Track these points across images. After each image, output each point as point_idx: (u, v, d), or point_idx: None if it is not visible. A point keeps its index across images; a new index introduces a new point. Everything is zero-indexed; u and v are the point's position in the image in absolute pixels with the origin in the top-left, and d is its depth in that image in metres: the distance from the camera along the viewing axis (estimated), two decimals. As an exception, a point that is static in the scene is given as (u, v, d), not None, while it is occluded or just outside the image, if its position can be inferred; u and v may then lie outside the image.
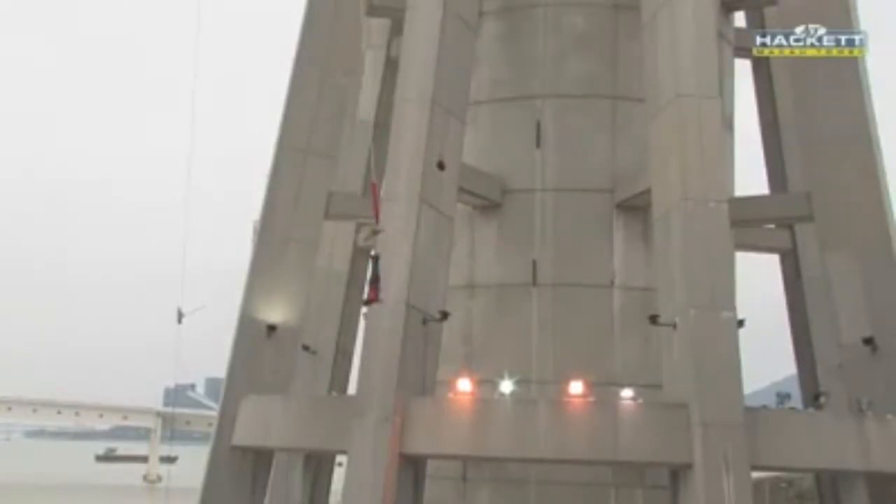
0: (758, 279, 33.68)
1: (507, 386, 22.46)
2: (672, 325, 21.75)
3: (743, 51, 29.22)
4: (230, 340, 26.61)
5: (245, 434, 25.21)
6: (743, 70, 30.61)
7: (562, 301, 25.69)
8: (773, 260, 30.16)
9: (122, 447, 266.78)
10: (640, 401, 22.31)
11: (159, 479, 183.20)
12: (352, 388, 26.75)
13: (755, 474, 23.96)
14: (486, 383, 22.84)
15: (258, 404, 25.22)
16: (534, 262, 25.81)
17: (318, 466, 31.93)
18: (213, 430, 27.08)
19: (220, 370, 27.06)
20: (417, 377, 22.30)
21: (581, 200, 26.28)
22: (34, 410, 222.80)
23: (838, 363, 25.23)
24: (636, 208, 25.74)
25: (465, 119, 24.79)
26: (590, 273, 25.97)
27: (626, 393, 22.56)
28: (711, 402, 20.97)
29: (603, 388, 22.69)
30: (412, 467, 22.13)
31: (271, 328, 26.06)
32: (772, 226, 29.19)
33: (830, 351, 26.60)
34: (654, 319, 22.26)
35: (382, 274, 21.24)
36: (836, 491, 28.33)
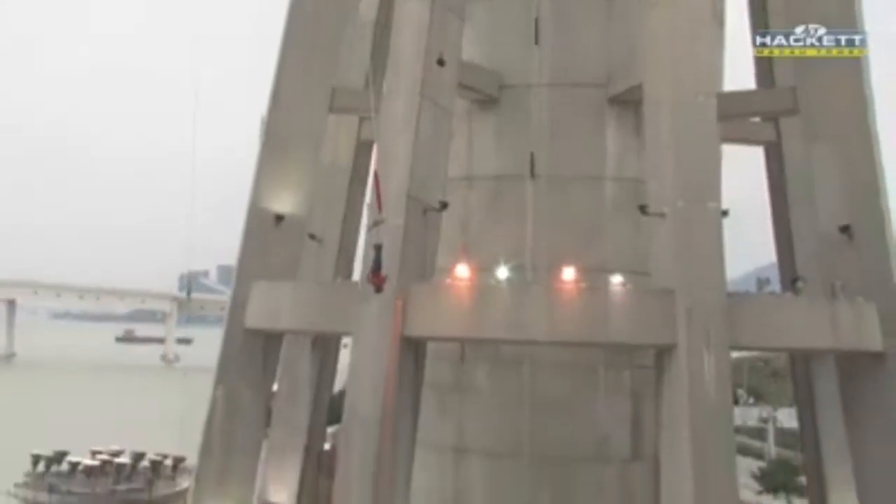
0: (742, 171, 33.46)
1: (503, 272, 22.49)
2: (661, 215, 21.68)
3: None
4: (240, 229, 26.62)
5: (256, 317, 25.35)
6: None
7: (556, 192, 25.50)
8: (758, 153, 29.96)
9: (141, 329, 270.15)
10: (629, 286, 22.39)
11: (176, 358, 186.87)
12: (356, 275, 26.88)
13: (735, 354, 24.25)
14: (484, 270, 22.85)
15: (268, 289, 25.29)
16: (530, 155, 25.53)
17: (324, 348, 32.27)
18: (225, 314, 27.24)
19: (232, 258, 27.09)
20: (418, 264, 22.32)
21: (576, 95, 25.89)
22: (58, 295, 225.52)
23: (816, 250, 25.34)
24: (629, 102, 25.36)
25: (464, 16, 24.22)
26: (583, 165, 25.75)
27: (616, 279, 22.62)
28: (696, 287, 21.06)
29: (594, 274, 22.70)
30: (413, 349, 22.33)
31: (279, 218, 25.93)
32: (757, 119, 28.85)
33: (809, 238, 26.68)
34: (643, 209, 22.15)
35: (385, 166, 21.07)
36: (808, 368, 28.80)
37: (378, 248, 19.13)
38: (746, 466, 43.50)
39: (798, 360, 29.68)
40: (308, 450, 31.84)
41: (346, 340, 25.77)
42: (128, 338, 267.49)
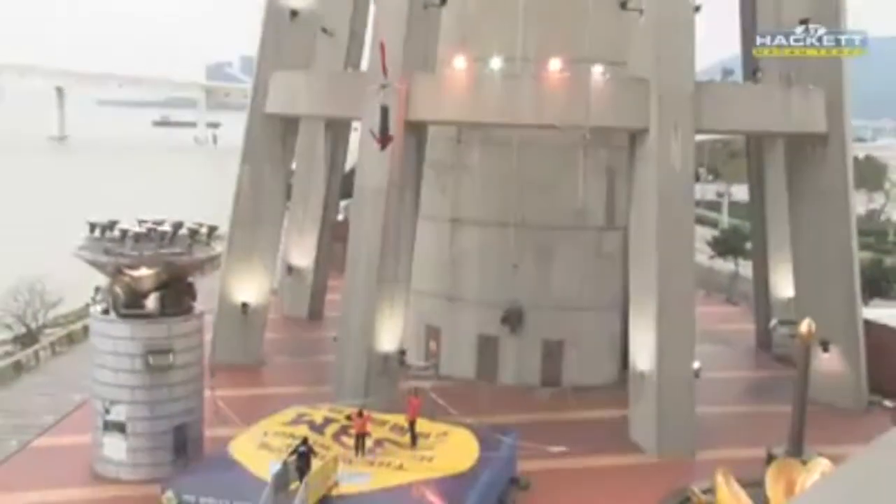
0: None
1: (496, 63, 21.93)
2: (639, 10, 20.91)
3: None
4: (260, 23, 25.85)
5: (276, 104, 25.05)
6: None
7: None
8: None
9: (175, 115, 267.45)
10: (608, 76, 21.88)
11: (206, 140, 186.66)
12: (364, 65, 26.29)
13: (698, 137, 24.06)
14: (479, 61, 22.24)
15: (285, 78, 24.84)
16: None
17: (337, 131, 32.05)
18: (248, 100, 26.89)
19: (253, 49, 26.45)
20: (420, 55, 21.75)
21: None
22: (99, 84, 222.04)
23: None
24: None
25: None
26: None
27: (597, 69, 22.04)
28: (668, 77, 20.66)
29: (577, 64, 22.10)
30: (415, 132, 22.14)
31: (294, 13, 25.18)
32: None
33: (771, 32, 25.89)
34: (623, 5, 21.37)
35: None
36: (759, 149, 28.89)
37: (384, 110, 18.66)
38: (702, 235, 44.23)
39: (752, 142, 29.69)
40: (324, 220, 32.37)
41: (356, 124, 25.51)
42: (164, 122, 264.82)
